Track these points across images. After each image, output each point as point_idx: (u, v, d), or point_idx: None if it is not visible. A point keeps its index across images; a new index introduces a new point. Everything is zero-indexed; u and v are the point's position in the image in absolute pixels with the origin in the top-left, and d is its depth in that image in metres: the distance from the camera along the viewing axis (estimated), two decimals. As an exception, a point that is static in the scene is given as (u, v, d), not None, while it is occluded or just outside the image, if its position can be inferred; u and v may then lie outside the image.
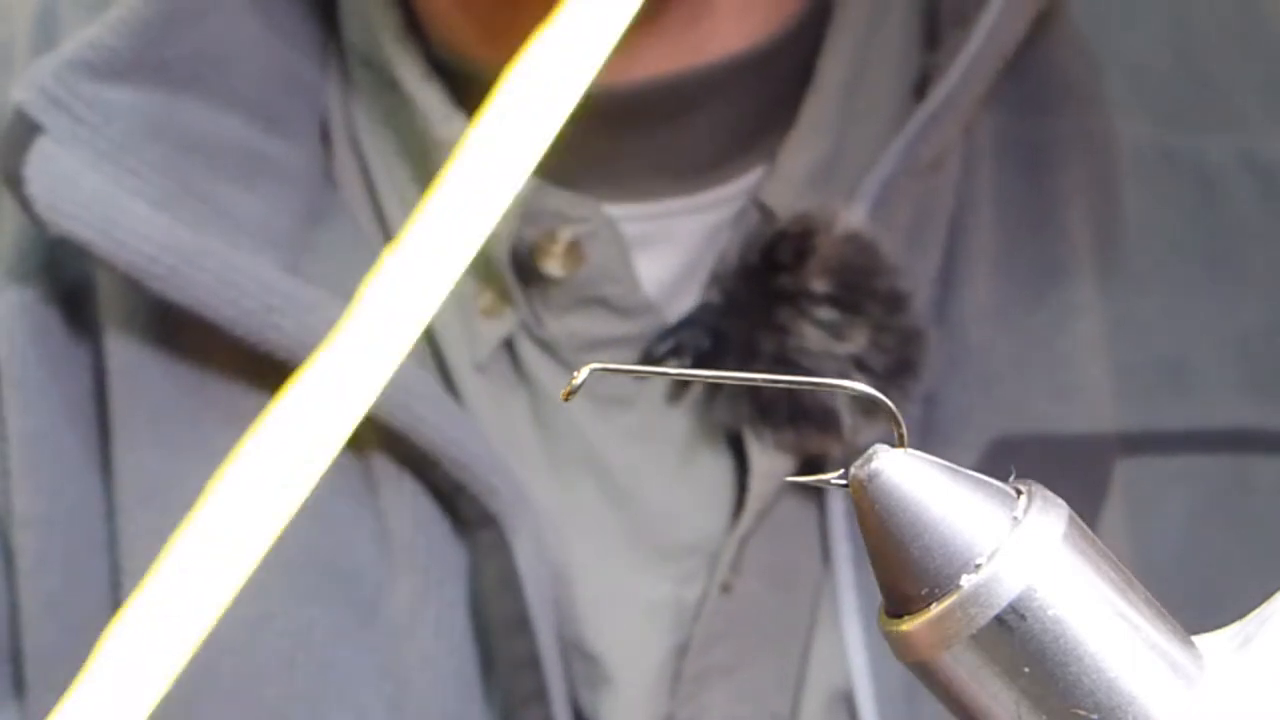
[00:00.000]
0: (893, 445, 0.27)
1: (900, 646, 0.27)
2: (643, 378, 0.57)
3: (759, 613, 0.55)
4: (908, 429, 0.56)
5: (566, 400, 0.27)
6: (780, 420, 0.54)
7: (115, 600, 0.54)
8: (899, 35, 0.59)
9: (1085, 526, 0.27)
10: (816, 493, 0.55)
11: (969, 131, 0.58)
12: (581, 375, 0.28)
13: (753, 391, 0.54)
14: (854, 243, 0.54)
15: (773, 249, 0.54)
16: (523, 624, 0.52)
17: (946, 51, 0.57)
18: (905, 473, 0.27)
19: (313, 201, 0.57)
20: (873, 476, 0.27)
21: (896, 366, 0.54)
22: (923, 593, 0.27)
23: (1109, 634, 0.26)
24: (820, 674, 0.54)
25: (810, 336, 0.53)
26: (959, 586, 0.26)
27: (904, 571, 0.27)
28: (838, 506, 0.54)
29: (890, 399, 0.52)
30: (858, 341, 0.53)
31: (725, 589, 0.54)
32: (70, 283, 0.56)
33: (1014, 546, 0.26)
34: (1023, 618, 0.26)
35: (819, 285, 0.53)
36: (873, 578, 0.54)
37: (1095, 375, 0.57)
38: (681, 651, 0.54)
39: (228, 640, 0.52)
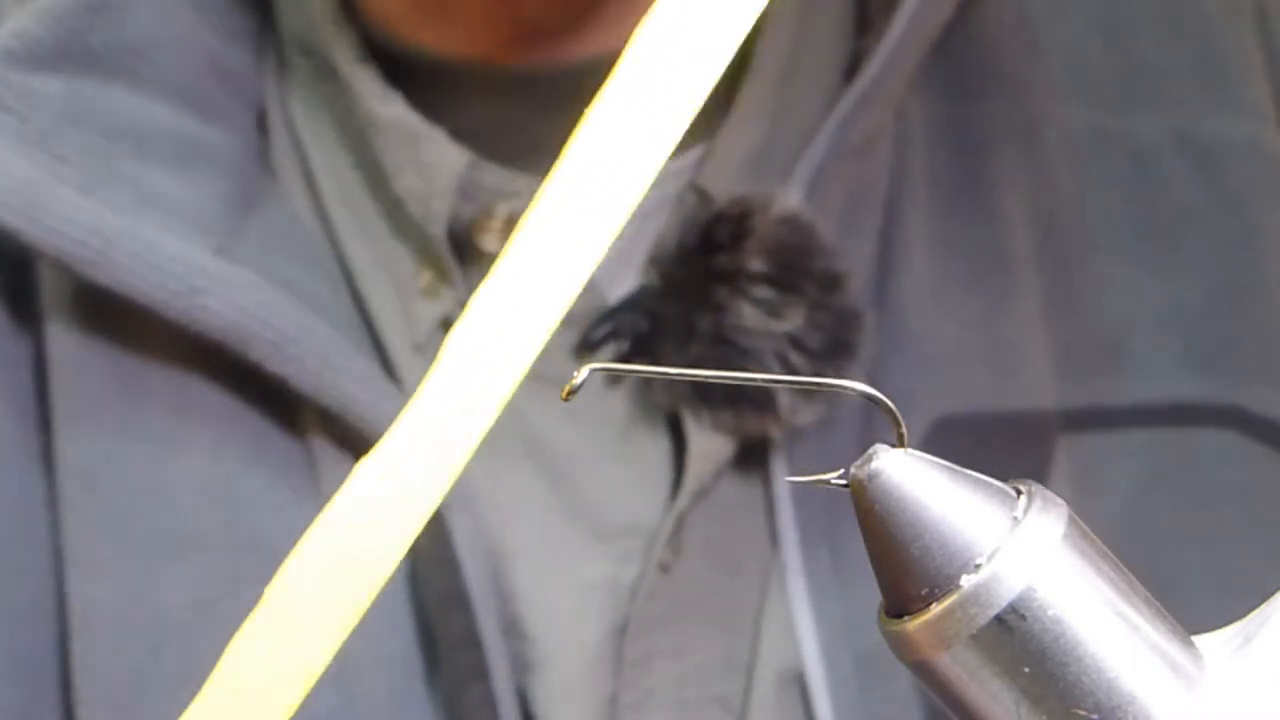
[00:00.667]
0: (892, 445, 0.27)
1: (900, 646, 0.27)
2: (581, 359, 0.56)
3: (702, 594, 0.54)
4: (850, 412, 0.56)
5: (566, 400, 0.27)
6: (718, 401, 0.54)
7: (56, 590, 0.53)
8: (832, 22, 0.59)
9: (1085, 527, 0.27)
10: (762, 475, 0.55)
11: (900, 115, 0.58)
12: (582, 375, 0.27)
13: (686, 367, 0.54)
14: (790, 224, 0.54)
15: (710, 230, 0.54)
16: (461, 601, 0.52)
17: (875, 35, 0.58)
18: (905, 473, 0.27)
19: (246, 188, 0.56)
20: (873, 476, 0.27)
21: (833, 346, 0.54)
22: (923, 593, 0.27)
23: (1109, 634, 0.26)
24: (770, 656, 0.54)
25: (747, 314, 0.53)
26: (959, 586, 0.26)
27: (904, 571, 0.27)
28: (784, 491, 0.54)
29: (823, 378, 0.53)
30: (793, 320, 0.53)
31: (663, 569, 0.54)
32: (9, 273, 0.56)
33: (1014, 546, 0.26)
34: (1023, 618, 0.26)
35: (755, 264, 0.53)
36: (821, 562, 0.54)
37: (1034, 354, 0.57)
38: (621, 632, 0.54)
39: (171, 626, 0.52)
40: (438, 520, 0.53)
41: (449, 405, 0.26)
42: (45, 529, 0.54)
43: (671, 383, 0.55)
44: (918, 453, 0.27)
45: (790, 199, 0.55)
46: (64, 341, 0.54)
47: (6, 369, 0.55)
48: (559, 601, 0.55)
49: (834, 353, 0.54)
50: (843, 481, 0.27)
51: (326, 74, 0.58)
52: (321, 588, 0.26)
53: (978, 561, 0.26)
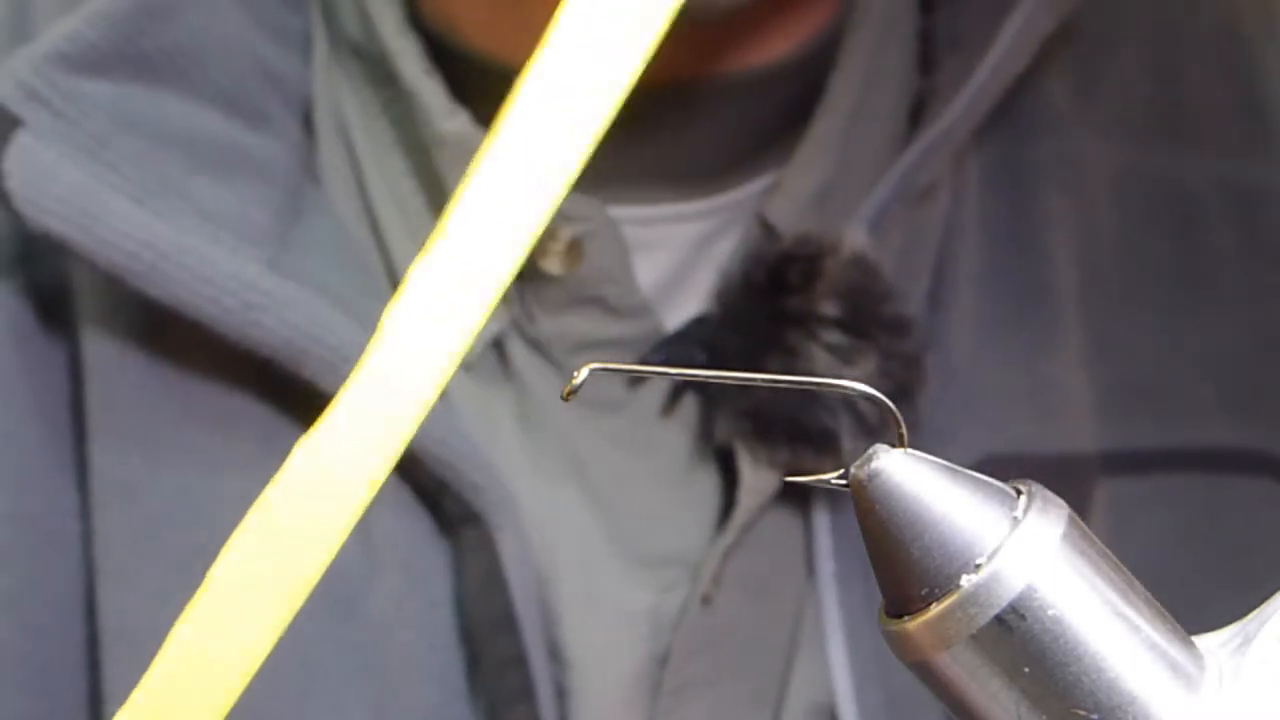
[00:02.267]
0: (893, 445, 0.27)
1: (900, 646, 0.27)
2: (635, 386, 0.56)
3: (739, 626, 0.54)
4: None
5: (566, 400, 0.27)
6: (778, 440, 0.53)
7: (86, 599, 0.53)
8: (901, 58, 0.59)
9: (1085, 527, 0.27)
10: (802, 508, 0.55)
11: (959, 158, 0.58)
12: (581, 375, 0.28)
13: (754, 410, 0.54)
14: (860, 266, 0.54)
15: (780, 269, 0.54)
16: (508, 623, 0.52)
17: (944, 79, 0.57)
18: (905, 473, 0.27)
19: (293, 196, 0.56)
20: (873, 476, 0.27)
21: (897, 393, 0.54)
22: (923, 593, 0.27)
23: (1109, 634, 0.26)
24: (801, 690, 0.54)
25: (819, 359, 0.53)
26: (959, 586, 0.26)
27: (904, 571, 0.27)
28: (823, 523, 0.54)
29: (888, 426, 0.52)
30: (865, 367, 0.53)
31: (705, 601, 0.54)
32: (47, 279, 0.55)
33: (1014, 546, 0.26)
34: (1023, 618, 0.26)
35: (828, 308, 0.53)
36: (856, 596, 0.54)
37: (1076, 396, 0.57)
38: (660, 661, 0.54)
39: None
40: (486, 541, 0.52)
41: (387, 384, 0.26)
42: (74, 539, 0.54)
43: (732, 417, 0.54)
44: (918, 453, 0.27)
45: (859, 239, 0.54)
46: (102, 351, 0.54)
47: (38, 375, 0.55)
48: (600, 628, 0.55)
49: (896, 399, 0.54)
50: (843, 481, 0.27)
51: (384, 78, 0.57)
52: (260, 572, 0.26)
53: (978, 561, 0.26)
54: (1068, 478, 0.56)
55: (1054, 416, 0.57)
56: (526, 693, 0.52)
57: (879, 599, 0.53)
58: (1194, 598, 0.56)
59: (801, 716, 0.53)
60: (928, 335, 0.56)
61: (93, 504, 0.53)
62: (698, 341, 0.55)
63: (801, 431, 0.53)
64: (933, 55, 0.60)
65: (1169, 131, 0.60)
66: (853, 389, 0.28)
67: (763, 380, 0.28)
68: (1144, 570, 0.58)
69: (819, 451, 0.53)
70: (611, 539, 0.55)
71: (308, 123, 0.59)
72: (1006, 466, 0.55)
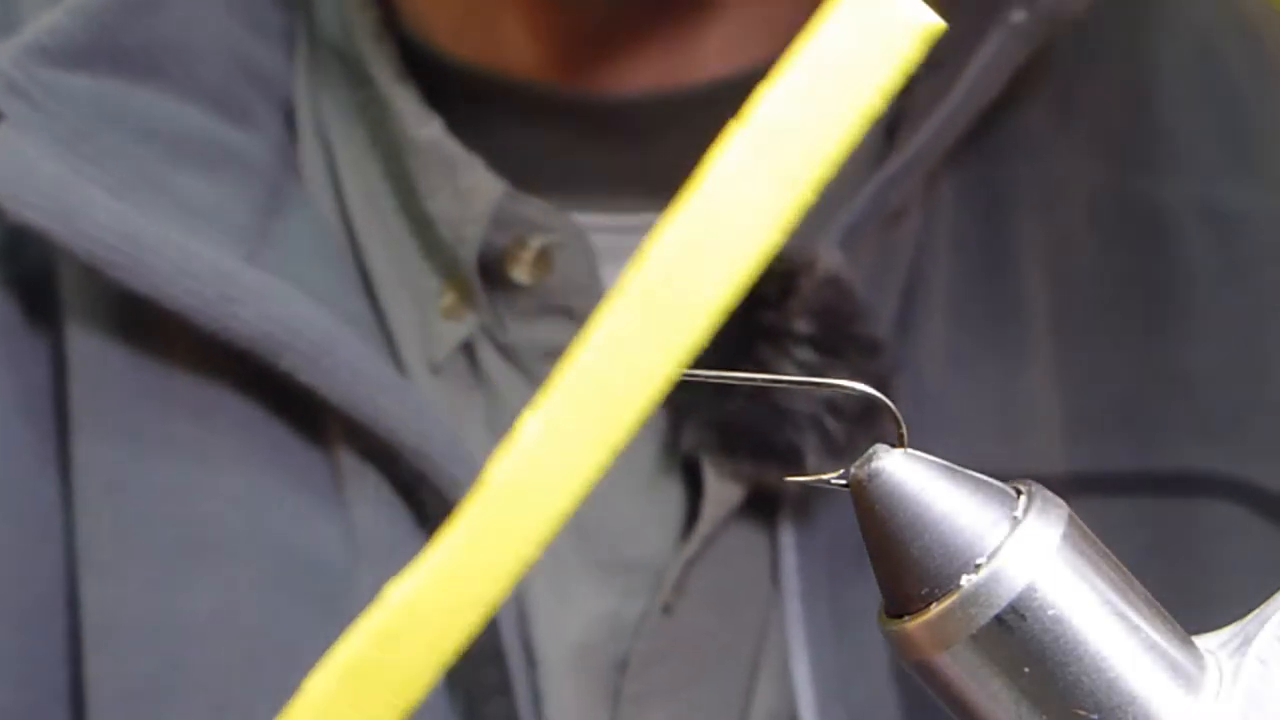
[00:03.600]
0: (892, 445, 0.27)
1: (900, 646, 0.27)
2: None
3: (701, 636, 0.54)
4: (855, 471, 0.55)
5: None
6: (743, 454, 0.53)
7: (68, 592, 0.53)
8: None
9: (1085, 527, 0.27)
10: (768, 522, 0.54)
11: (932, 178, 0.57)
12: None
13: (720, 423, 0.54)
14: (834, 286, 0.53)
15: (754, 285, 0.54)
16: None
17: (918, 99, 0.57)
18: (905, 473, 0.27)
19: (274, 191, 0.56)
20: (873, 476, 0.27)
21: (865, 412, 0.54)
22: (923, 593, 0.27)
23: (1109, 634, 0.26)
24: (764, 704, 0.53)
25: (788, 375, 0.53)
26: (959, 586, 0.26)
27: (904, 571, 0.27)
28: (788, 539, 0.54)
29: (856, 444, 0.52)
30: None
31: (666, 609, 0.54)
32: (30, 272, 0.55)
33: (1014, 546, 0.26)
34: (1023, 618, 0.26)
35: (802, 325, 0.53)
36: (821, 612, 0.54)
37: (1047, 417, 0.57)
38: (620, 667, 0.54)
39: (192, 634, 0.52)
40: None
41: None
42: (56, 532, 0.53)
43: (699, 428, 0.54)
44: (917, 453, 0.27)
45: (833, 258, 0.54)
46: (85, 344, 0.54)
47: (20, 368, 0.55)
48: (567, 629, 0.54)
49: (866, 418, 0.54)
50: (843, 481, 0.27)
51: (361, 81, 0.57)
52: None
53: (978, 561, 0.26)
54: None
55: (1024, 437, 0.56)
56: (504, 687, 0.52)
57: (843, 614, 0.53)
58: None
59: None
60: (898, 356, 0.56)
61: (76, 497, 0.53)
62: None
63: (767, 446, 0.53)
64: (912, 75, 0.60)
65: (1146, 153, 0.60)
66: (853, 389, 0.28)
67: (764, 380, 0.28)
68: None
69: (783, 467, 0.53)
70: (578, 542, 0.55)
71: (290, 120, 0.59)
72: None
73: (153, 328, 0.53)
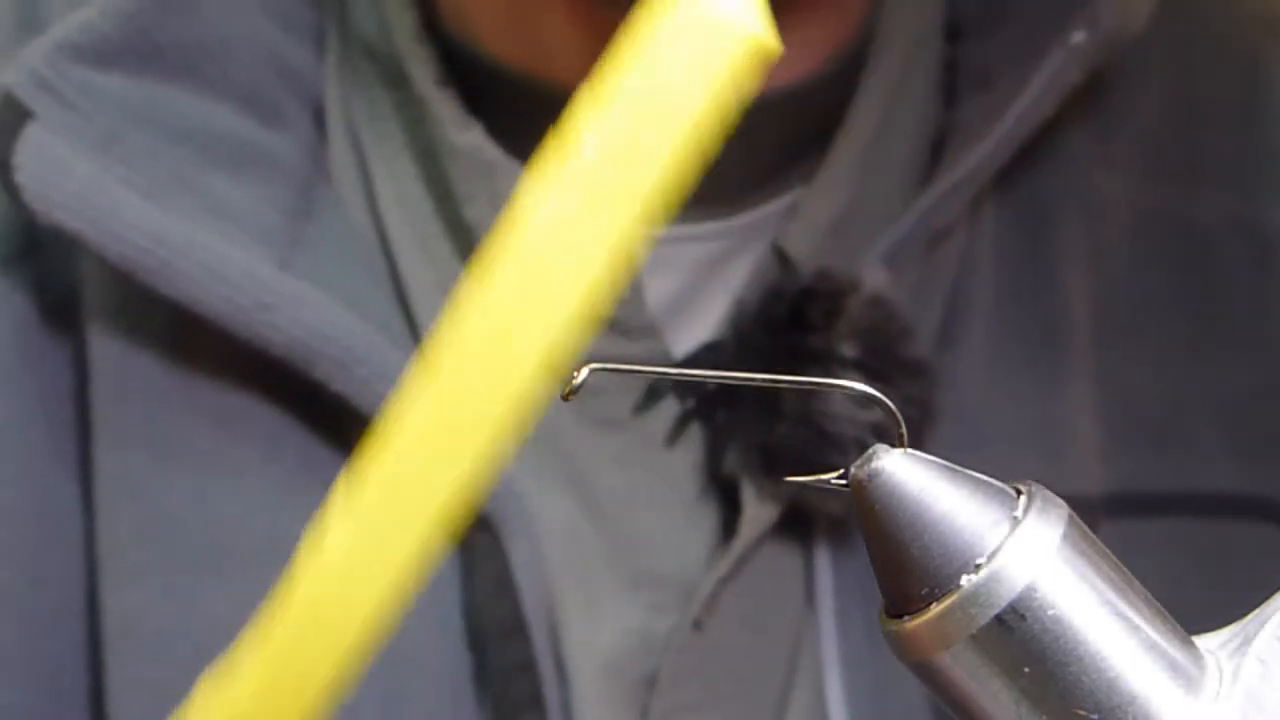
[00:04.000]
0: (893, 446, 0.27)
1: (900, 646, 0.27)
2: (641, 410, 0.56)
3: (732, 654, 0.54)
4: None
5: (566, 400, 0.27)
6: (784, 475, 0.53)
7: (87, 598, 0.53)
8: (924, 87, 0.59)
9: (1085, 527, 0.27)
10: (803, 541, 0.54)
11: (978, 198, 0.57)
12: (582, 375, 0.27)
13: (763, 445, 0.53)
14: (880, 307, 0.53)
15: (801, 305, 0.53)
16: (518, 629, 0.51)
17: (967, 117, 0.57)
18: (905, 473, 0.27)
19: (304, 194, 0.55)
20: (873, 476, 0.27)
21: (911, 435, 0.53)
22: (923, 593, 0.27)
23: (1109, 634, 0.26)
24: None
25: (837, 401, 0.52)
26: (959, 586, 0.26)
27: (904, 571, 0.27)
28: (824, 559, 0.54)
29: None
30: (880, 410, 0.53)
31: (697, 626, 0.53)
32: (53, 274, 0.55)
33: (1014, 546, 0.26)
34: (1023, 618, 0.26)
35: (848, 350, 0.52)
36: (856, 632, 0.54)
37: (1084, 434, 0.56)
38: (650, 683, 0.53)
39: (213, 639, 0.52)
40: (496, 546, 0.52)
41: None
42: (76, 536, 0.53)
43: (741, 451, 0.54)
44: (918, 453, 0.27)
45: (879, 278, 0.54)
46: (109, 348, 0.53)
47: (41, 370, 0.54)
48: (596, 644, 0.54)
49: (911, 441, 0.53)
50: (843, 481, 0.27)
51: (397, 82, 0.56)
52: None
53: (978, 561, 0.26)
54: None
55: (1062, 456, 0.56)
56: (535, 700, 0.51)
57: (878, 635, 0.53)
58: None
59: None
60: (938, 373, 0.55)
61: (97, 501, 0.53)
62: (710, 368, 0.55)
63: (810, 470, 0.53)
64: (956, 86, 0.59)
65: (1188, 172, 0.59)
66: (853, 389, 0.28)
67: (760, 380, 0.28)
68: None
69: (826, 491, 0.53)
70: (608, 555, 0.55)
71: (320, 119, 0.58)
72: None
73: (178, 333, 0.53)
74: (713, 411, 0.54)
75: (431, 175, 0.56)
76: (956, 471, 0.27)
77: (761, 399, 0.53)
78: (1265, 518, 0.57)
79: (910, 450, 0.27)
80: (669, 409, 0.55)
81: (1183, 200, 0.59)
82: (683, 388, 0.55)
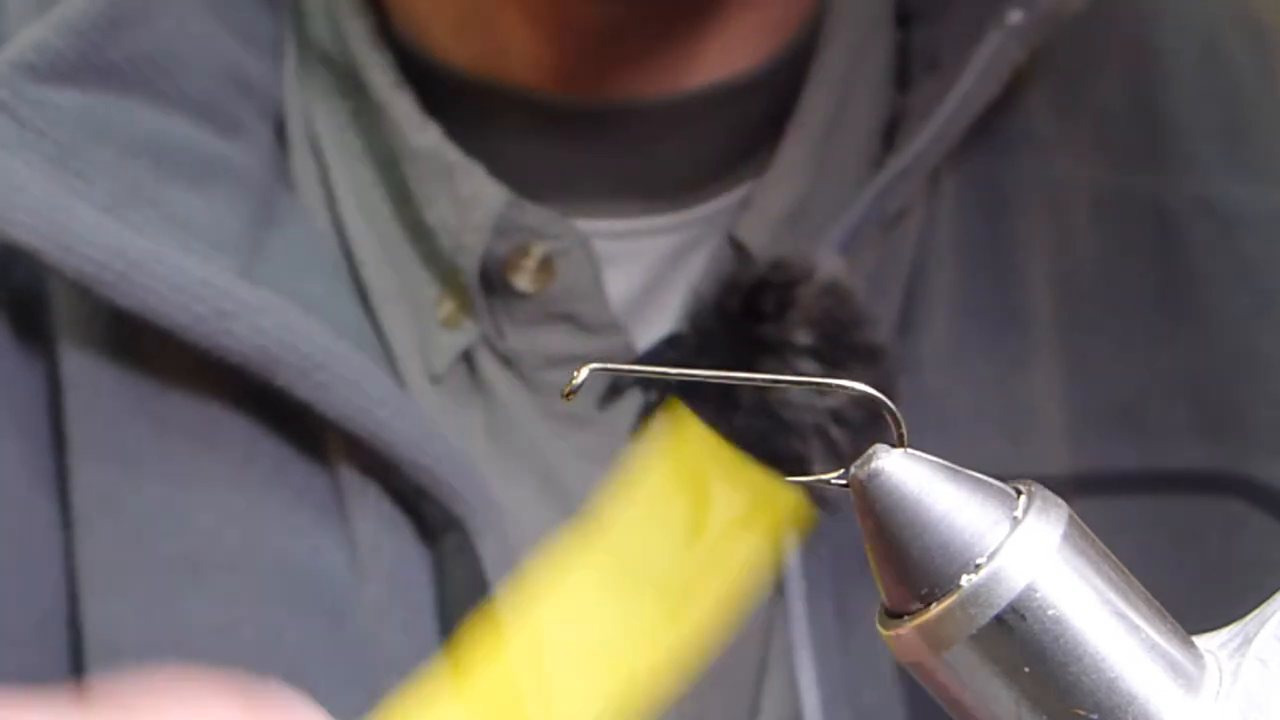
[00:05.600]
0: (892, 445, 0.27)
1: (900, 647, 0.27)
2: (605, 404, 0.56)
3: None
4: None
5: (566, 399, 0.27)
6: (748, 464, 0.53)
7: (68, 612, 0.53)
8: (876, 75, 0.59)
9: (1085, 527, 0.27)
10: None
11: (933, 179, 0.57)
12: (582, 375, 0.27)
13: (725, 434, 0.53)
14: (834, 294, 0.53)
15: (754, 297, 0.54)
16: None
17: (918, 100, 0.57)
18: (905, 473, 0.27)
19: (266, 204, 0.55)
20: (873, 476, 0.27)
21: (869, 420, 0.53)
22: (923, 593, 0.27)
23: (1109, 634, 0.26)
24: (772, 707, 0.53)
25: (792, 390, 0.53)
26: (959, 586, 0.26)
27: (904, 572, 0.27)
28: (791, 546, 0.54)
29: (861, 452, 0.52)
30: (838, 397, 0.53)
31: None
32: (20, 290, 0.55)
33: (1014, 546, 0.26)
34: (1023, 618, 0.26)
35: (802, 337, 0.53)
36: (825, 615, 0.54)
37: (1050, 418, 0.57)
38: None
39: (192, 650, 0.52)
40: (467, 546, 0.52)
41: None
42: (55, 551, 0.53)
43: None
44: (917, 453, 0.27)
45: (833, 265, 0.54)
46: (79, 364, 0.53)
47: (14, 386, 0.54)
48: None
49: (871, 426, 0.53)
50: (843, 482, 0.27)
51: (354, 88, 0.57)
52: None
53: (978, 561, 0.26)
54: None
55: (1027, 438, 0.56)
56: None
57: (848, 618, 0.53)
58: None
59: None
60: (900, 357, 0.55)
61: (74, 516, 0.53)
62: (670, 362, 0.55)
63: (772, 456, 0.53)
64: (909, 71, 0.59)
65: (1149, 153, 0.60)
66: (853, 389, 0.28)
67: (761, 380, 0.28)
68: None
69: (788, 474, 0.53)
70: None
71: (280, 129, 0.58)
72: None
73: (146, 346, 0.53)
74: (676, 406, 0.55)
75: (391, 181, 0.56)
76: (956, 471, 0.27)
77: (720, 389, 0.54)
78: (1236, 494, 0.57)
79: (910, 450, 0.27)
80: (631, 404, 0.56)
81: (1144, 181, 0.60)
82: (647, 382, 0.55)
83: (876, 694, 0.53)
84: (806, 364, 0.53)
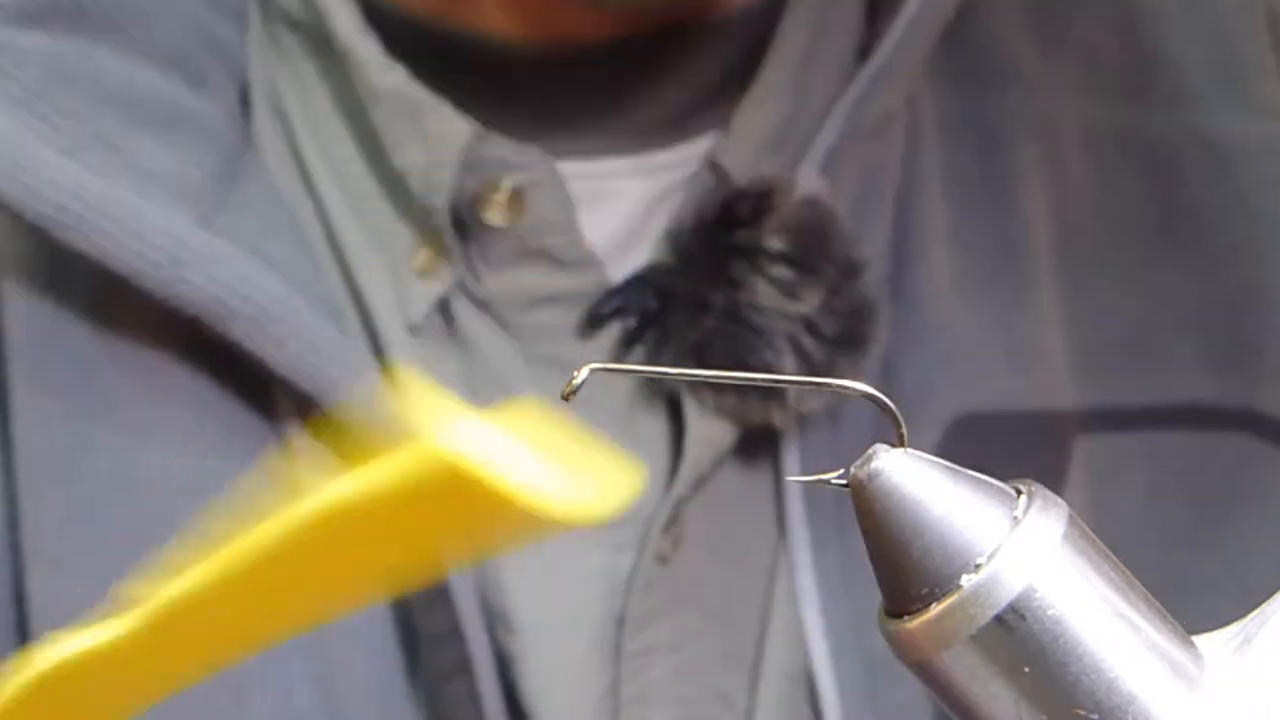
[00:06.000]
0: (893, 445, 0.27)
1: (900, 646, 0.27)
2: (583, 341, 0.55)
3: (703, 587, 0.54)
4: (860, 403, 0.55)
5: (566, 400, 0.27)
6: (722, 385, 0.53)
7: (13, 587, 0.52)
8: (851, 8, 0.59)
9: (1085, 526, 0.27)
10: (768, 467, 0.54)
11: (912, 103, 0.57)
12: (582, 375, 0.27)
13: (696, 355, 0.53)
14: (811, 206, 0.53)
15: (730, 205, 0.54)
16: (442, 594, 0.51)
17: (886, 19, 0.57)
18: (905, 473, 0.27)
19: (230, 160, 0.55)
20: (873, 476, 0.27)
21: (847, 335, 0.53)
22: (923, 593, 0.27)
23: (1109, 634, 0.26)
24: (777, 656, 0.53)
25: (763, 292, 0.52)
26: (959, 586, 0.26)
27: (904, 571, 0.27)
28: (795, 488, 0.54)
29: (837, 370, 0.52)
30: (810, 302, 0.52)
31: (661, 560, 0.53)
32: None
33: (1014, 546, 0.26)
34: (1023, 618, 0.26)
35: (776, 243, 0.53)
36: (831, 560, 0.54)
37: (1053, 352, 0.57)
38: (618, 623, 0.53)
39: None
40: None
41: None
42: (1, 524, 0.53)
43: (676, 360, 0.53)
44: (918, 453, 0.27)
45: (813, 181, 0.54)
46: (26, 323, 0.53)
47: None
48: (551, 593, 0.54)
49: (847, 341, 0.53)
50: (843, 481, 0.27)
51: (320, 47, 0.56)
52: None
53: (978, 561, 0.26)
54: (1046, 434, 0.56)
55: (1032, 373, 0.56)
56: (464, 666, 0.51)
57: (853, 564, 0.53)
58: (1177, 554, 0.56)
59: (779, 683, 0.53)
60: (892, 288, 0.55)
61: (19, 487, 0.52)
62: (650, 287, 0.55)
63: (744, 367, 0.52)
64: (880, 3, 0.59)
65: (1141, 87, 0.60)
66: (854, 389, 0.28)
67: (765, 380, 0.28)
68: (1126, 527, 0.58)
69: (765, 395, 0.52)
70: None
71: (244, 96, 0.58)
72: (985, 423, 0.55)
73: (99, 302, 0.52)
74: (655, 325, 0.54)
75: (361, 132, 0.56)
76: (956, 471, 0.27)
77: (692, 299, 0.53)
78: (1241, 426, 0.58)
79: (910, 450, 0.27)
80: (611, 340, 0.55)
81: (1139, 116, 0.60)
82: (626, 311, 0.55)
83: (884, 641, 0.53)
84: (780, 270, 0.52)
